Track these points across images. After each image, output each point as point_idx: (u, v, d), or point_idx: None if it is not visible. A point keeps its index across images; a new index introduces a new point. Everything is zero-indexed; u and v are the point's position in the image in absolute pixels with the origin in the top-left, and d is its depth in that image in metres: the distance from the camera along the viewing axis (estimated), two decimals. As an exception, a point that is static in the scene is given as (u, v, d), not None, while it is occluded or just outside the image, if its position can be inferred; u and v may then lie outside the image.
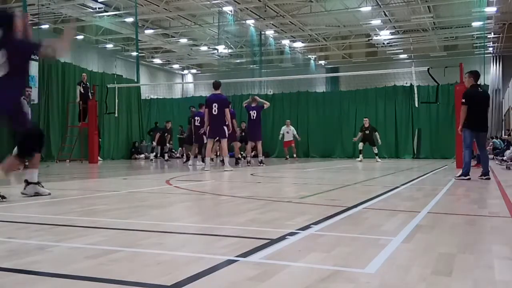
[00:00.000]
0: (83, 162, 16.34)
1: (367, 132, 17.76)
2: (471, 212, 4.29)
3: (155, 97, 28.12)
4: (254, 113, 13.94)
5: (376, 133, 18.03)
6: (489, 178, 8.00)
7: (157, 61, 34.75)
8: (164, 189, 6.75)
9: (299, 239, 2.91)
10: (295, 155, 19.86)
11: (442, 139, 21.22)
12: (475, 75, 8.27)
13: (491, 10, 22.49)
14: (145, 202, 5.07)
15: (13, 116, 4.78)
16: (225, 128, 10.95)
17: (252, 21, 25.77)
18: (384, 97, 23.04)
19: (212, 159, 14.89)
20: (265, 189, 6.91)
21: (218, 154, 15.32)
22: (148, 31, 27.28)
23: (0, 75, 4.65)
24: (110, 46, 30.12)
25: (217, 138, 11.42)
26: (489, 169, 8.41)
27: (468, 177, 7.97)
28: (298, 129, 24.21)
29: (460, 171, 8.38)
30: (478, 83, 8.44)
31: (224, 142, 11.20)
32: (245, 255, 2.45)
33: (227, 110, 10.88)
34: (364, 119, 18.52)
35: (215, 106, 10.73)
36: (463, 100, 8.08)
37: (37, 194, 5.18)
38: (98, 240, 2.89)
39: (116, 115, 16.70)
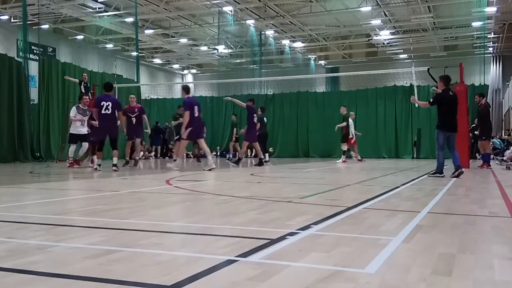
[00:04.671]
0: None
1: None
2: (471, 212, 4.29)
3: (155, 97, 28.11)
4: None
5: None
6: (462, 172, 8.36)
7: (157, 61, 34.74)
8: (164, 189, 6.75)
9: (299, 239, 2.91)
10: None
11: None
12: (445, 79, 8.77)
13: (491, 10, 22.48)
14: (145, 202, 5.07)
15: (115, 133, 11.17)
16: None
17: (252, 21, 25.76)
18: (384, 97, 23.05)
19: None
20: (265, 189, 6.91)
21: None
22: (148, 31, 27.27)
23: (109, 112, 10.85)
24: (110, 46, 30.11)
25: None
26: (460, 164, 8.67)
27: (442, 174, 8.39)
28: (298, 129, 24.23)
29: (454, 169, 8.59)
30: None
31: None
32: (245, 255, 2.45)
33: None
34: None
35: None
36: (431, 100, 8.80)
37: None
38: (98, 240, 2.89)
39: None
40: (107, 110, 10.91)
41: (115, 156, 11.20)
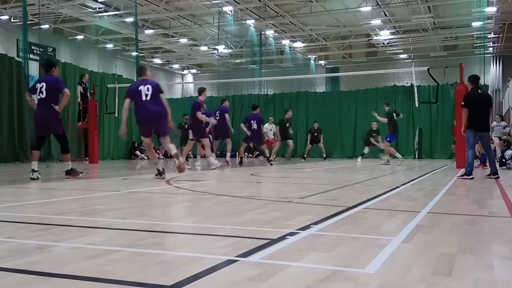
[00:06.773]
0: (83, 162, 16.34)
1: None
2: (471, 212, 4.29)
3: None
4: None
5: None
6: (498, 177, 8.14)
7: (157, 61, 34.72)
8: (164, 189, 6.75)
9: (299, 239, 2.91)
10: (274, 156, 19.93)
11: (443, 139, 21.24)
12: (473, 79, 8.57)
13: (491, 10, 22.45)
14: (145, 202, 5.07)
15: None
16: None
17: (252, 21, 25.74)
18: (384, 97, 23.05)
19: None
20: (265, 189, 6.91)
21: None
22: (148, 31, 27.24)
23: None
24: (110, 46, 30.07)
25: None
26: (497, 168, 8.52)
27: (471, 176, 8.04)
28: (298, 129, 24.23)
29: (462, 170, 8.46)
30: (482, 83, 8.63)
31: None
32: (245, 255, 2.45)
33: None
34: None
35: None
36: (462, 103, 8.42)
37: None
38: (98, 240, 2.89)
39: (116, 115, 16.70)
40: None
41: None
